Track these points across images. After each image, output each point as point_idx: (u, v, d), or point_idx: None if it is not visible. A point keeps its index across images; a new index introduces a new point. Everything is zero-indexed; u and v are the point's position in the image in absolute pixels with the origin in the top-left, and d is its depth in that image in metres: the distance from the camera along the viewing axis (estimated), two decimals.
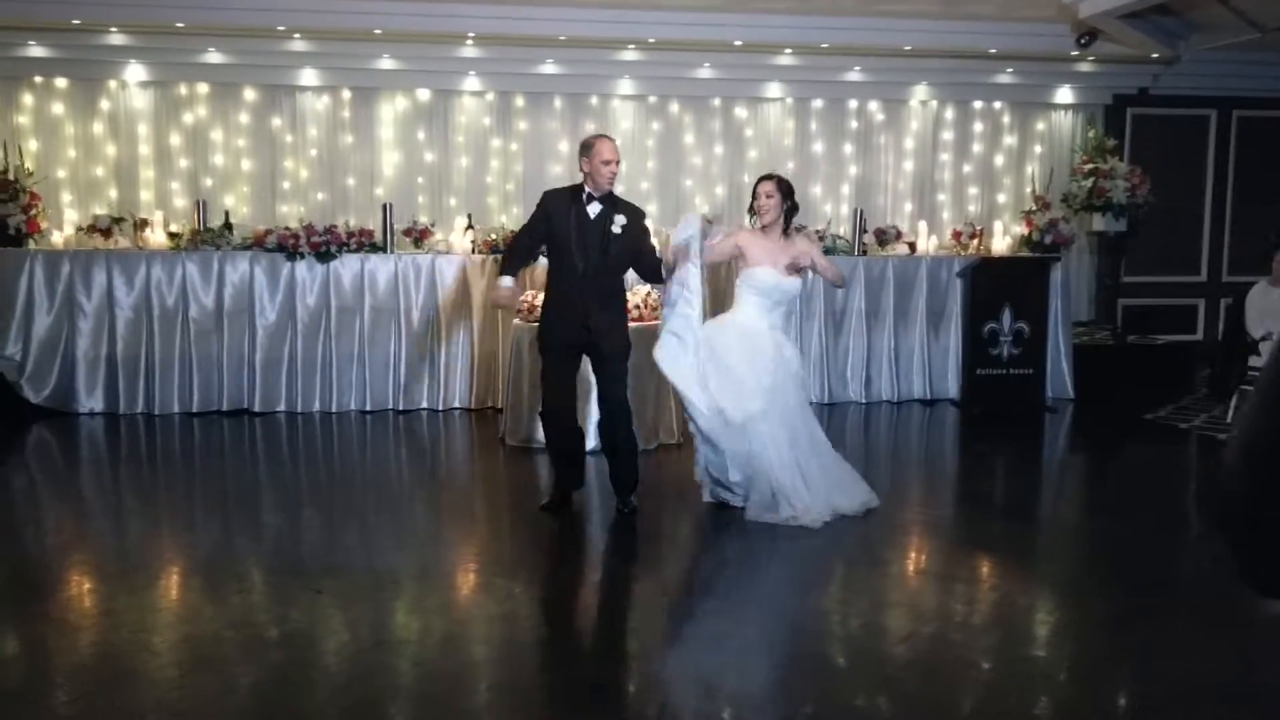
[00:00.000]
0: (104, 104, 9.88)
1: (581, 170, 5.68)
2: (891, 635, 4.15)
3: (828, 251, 9.14)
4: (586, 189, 5.63)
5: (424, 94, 10.28)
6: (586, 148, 5.64)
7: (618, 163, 5.64)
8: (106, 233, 8.67)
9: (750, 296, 5.74)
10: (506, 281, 5.78)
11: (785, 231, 5.81)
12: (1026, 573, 5.04)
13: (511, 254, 5.94)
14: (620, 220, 5.60)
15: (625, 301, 5.94)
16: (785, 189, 5.80)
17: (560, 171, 10.51)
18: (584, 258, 5.58)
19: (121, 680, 3.65)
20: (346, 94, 10.18)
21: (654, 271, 5.83)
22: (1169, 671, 3.85)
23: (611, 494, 5.82)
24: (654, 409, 7.36)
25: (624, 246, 5.63)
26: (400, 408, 8.61)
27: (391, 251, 8.68)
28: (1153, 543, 5.44)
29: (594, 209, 5.61)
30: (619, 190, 5.90)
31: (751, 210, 5.87)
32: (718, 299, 7.77)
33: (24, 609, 4.34)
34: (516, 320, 7.45)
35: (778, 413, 5.56)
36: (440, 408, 8.65)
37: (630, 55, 10.08)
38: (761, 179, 5.88)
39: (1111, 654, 4.04)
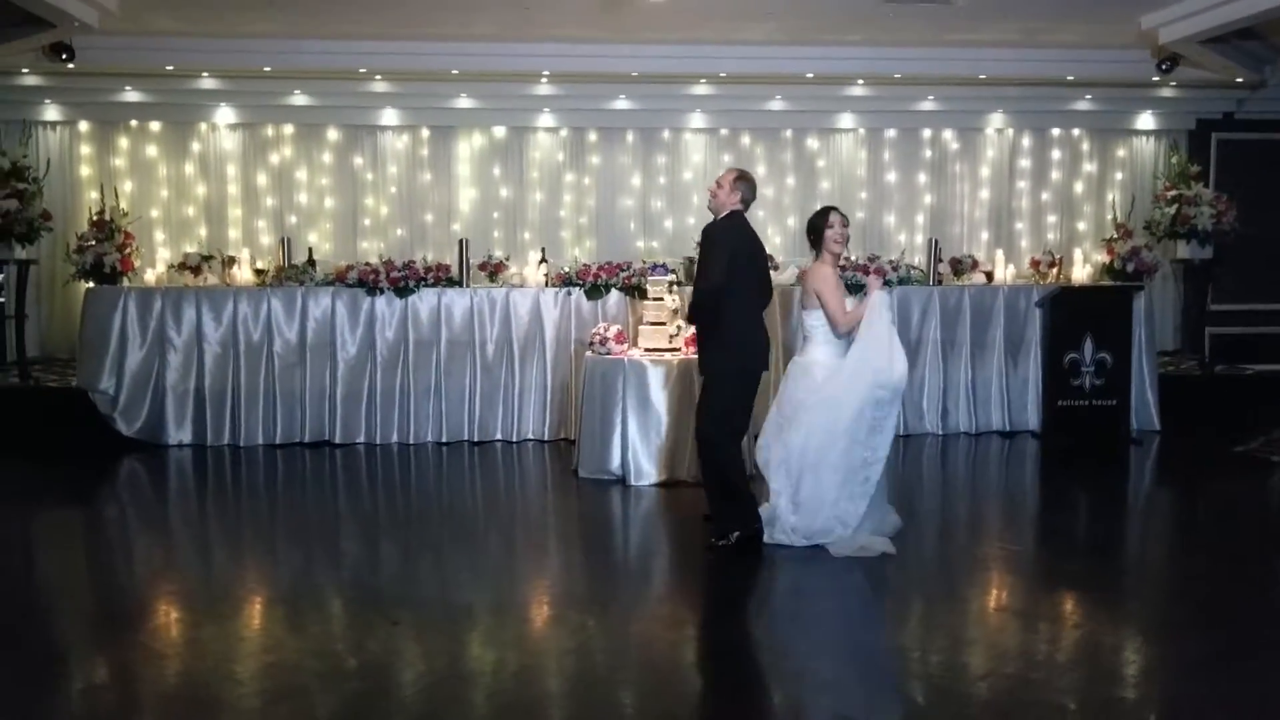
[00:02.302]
0: (195, 146, 10.30)
1: None
2: (970, 674, 4.06)
3: (903, 282, 9.08)
4: None
5: (500, 131, 10.50)
6: None
7: (713, 188, 5.80)
8: (196, 270, 8.99)
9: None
10: None
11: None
12: (1112, 611, 4.88)
13: None
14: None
15: (720, 327, 5.60)
16: None
17: (632, 204, 10.62)
18: None
19: (205, 710, 3.75)
20: (425, 133, 10.46)
21: (698, 289, 5.60)
22: (1262, 716, 3.70)
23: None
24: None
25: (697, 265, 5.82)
26: (475, 439, 8.72)
27: (467, 285, 8.83)
28: (1245, 581, 5.25)
29: None
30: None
31: (819, 243, 5.75)
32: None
33: (113, 637, 4.48)
34: (589, 353, 7.51)
35: (784, 424, 5.61)
36: (515, 439, 8.74)
37: (702, 89, 10.16)
38: (836, 211, 5.81)
39: (1201, 696, 3.89)
